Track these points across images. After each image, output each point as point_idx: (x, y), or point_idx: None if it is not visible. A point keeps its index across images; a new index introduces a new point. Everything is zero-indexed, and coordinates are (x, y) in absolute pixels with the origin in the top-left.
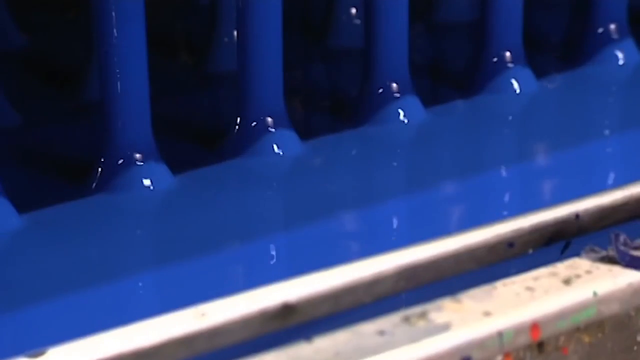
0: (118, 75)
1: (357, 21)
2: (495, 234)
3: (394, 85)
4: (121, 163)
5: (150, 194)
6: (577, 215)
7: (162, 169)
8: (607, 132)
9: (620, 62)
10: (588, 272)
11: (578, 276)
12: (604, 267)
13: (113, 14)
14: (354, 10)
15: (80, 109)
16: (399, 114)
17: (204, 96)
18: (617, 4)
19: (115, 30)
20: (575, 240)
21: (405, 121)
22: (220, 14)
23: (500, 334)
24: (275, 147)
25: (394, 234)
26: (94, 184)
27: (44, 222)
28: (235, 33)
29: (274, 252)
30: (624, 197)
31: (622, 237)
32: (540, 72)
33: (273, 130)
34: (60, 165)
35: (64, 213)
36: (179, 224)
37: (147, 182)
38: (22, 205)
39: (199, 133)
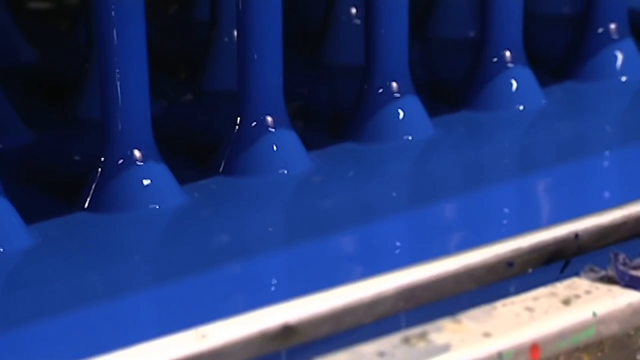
0: (118, 75)
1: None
2: (494, 254)
3: (394, 85)
4: (121, 163)
5: (157, 212)
6: (576, 235)
7: (162, 169)
8: (608, 148)
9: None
10: (587, 292)
11: (577, 296)
12: (603, 287)
13: (113, 14)
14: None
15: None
16: (399, 114)
17: (199, 112)
18: (617, 4)
19: (115, 31)
20: (575, 259)
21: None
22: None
23: (500, 355)
24: (274, 147)
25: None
26: (94, 184)
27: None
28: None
29: (274, 271)
30: (623, 216)
31: (621, 257)
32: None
33: (273, 130)
34: (63, 180)
35: (70, 229)
36: (180, 241)
37: (146, 182)
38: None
39: (193, 148)
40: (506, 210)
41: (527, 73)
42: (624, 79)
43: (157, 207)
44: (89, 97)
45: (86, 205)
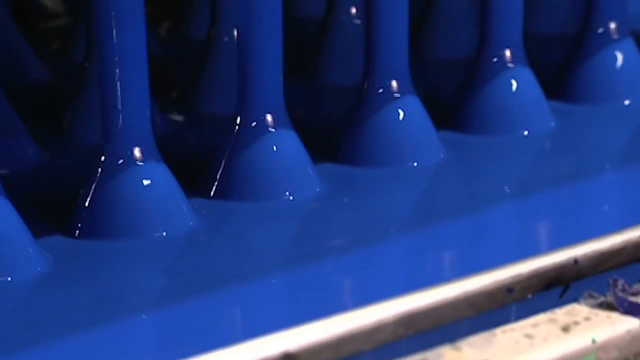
0: (118, 75)
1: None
2: (494, 280)
3: (394, 85)
4: (121, 163)
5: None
6: (575, 260)
7: (162, 169)
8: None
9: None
10: (587, 318)
11: (577, 323)
12: (603, 314)
13: (113, 14)
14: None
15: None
16: (399, 114)
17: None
18: (617, 4)
19: (115, 31)
20: (574, 284)
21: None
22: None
23: None
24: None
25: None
26: (94, 184)
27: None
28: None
29: (274, 298)
30: (622, 241)
31: (620, 283)
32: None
33: (273, 130)
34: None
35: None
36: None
37: (147, 182)
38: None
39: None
40: (505, 235)
41: (527, 73)
42: (627, 102)
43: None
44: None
45: (86, 204)
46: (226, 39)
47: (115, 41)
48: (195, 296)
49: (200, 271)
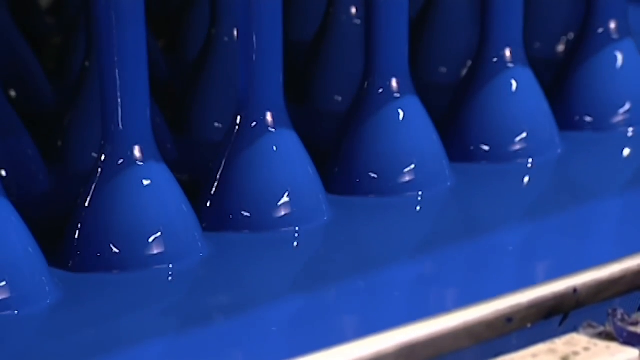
0: (118, 75)
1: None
2: (493, 310)
3: (394, 85)
4: (121, 163)
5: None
6: (574, 290)
7: (162, 169)
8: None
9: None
10: (586, 349)
11: (576, 353)
12: (602, 344)
13: (113, 14)
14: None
15: None
16: (399, 114)
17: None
18: (617, 4)
19: (115, 31)
20: (574, 313)
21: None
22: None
23: None
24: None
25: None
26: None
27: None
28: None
29: (273, 328)
30: (621, 270)
31: (619, 313)
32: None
33: (273, 130)
34: None
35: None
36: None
37: (146, 182)
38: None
39: None
40: (504, 264)
41: (527, 73)
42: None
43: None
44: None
45: (87, 204)
46: (226, 39)
47: (115, 41)
48: (196, 324)
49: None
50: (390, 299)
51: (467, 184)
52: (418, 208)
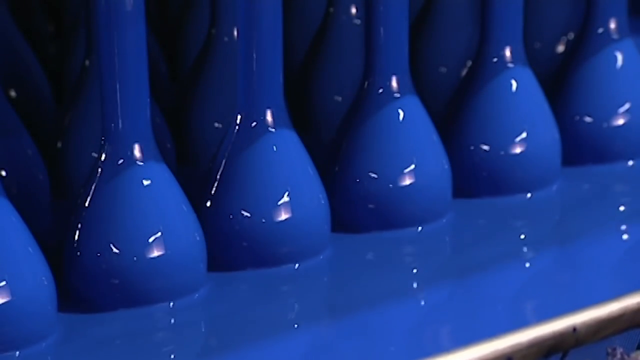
0: (118, 75)
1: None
2: (493, 349)
3: (394, 85)
4: (121, 163)
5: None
6: (574, 329)
7: (162, 169)
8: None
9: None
10: None
11: None
12: None
13: (113, 14)
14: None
15: None
16: (399, 114)
17: None
18: (617, 4)
19: (115, 31)
20: (573, 351)
21: None
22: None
23: None
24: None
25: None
26: (94, 184)
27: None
28: (235, 32)
29: None
30: (620, 308)
31: (618, 352)
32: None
33: (273, 129)
34: None
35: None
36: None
37: (146, 182)
38: None
39: None
40: (503, 303)
41: (527, 73)
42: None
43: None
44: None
45: (87, 204)
46: (226, 39)
47: (115, 41)
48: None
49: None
50: (388, 339)
51: (465, 218)
52: (414, 240)
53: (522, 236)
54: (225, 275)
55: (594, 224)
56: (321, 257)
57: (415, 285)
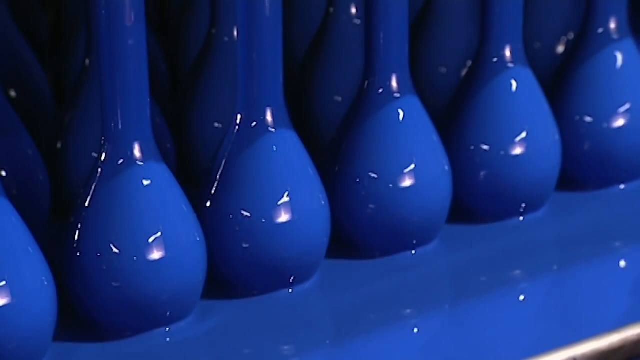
0: (118, 75)
1: None
2: None
3: (394, 85)
4: (121, 163)
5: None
6: None
7: (162, 169)
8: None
9: (620, 63)
10: None
11: None
12: None
13: (113, 14)
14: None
15: None
16: (399, 114)
17: None
18: (617, 4)
19: (115, 31)
20: None
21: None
22: None
23: None
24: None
25: None
26: (94, 184)
27: None
28: (235, 32)
29: None
30: (620, 340)
31: None
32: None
33: (273, 130)
34: None
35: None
36: None
37: (146, 182)
38: None
39: None
40: (501, 334)
41: (527, 73)
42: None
43: None
44: None
45: (87, 204)
46: (226, 39)
47: (115, 41)
48: None
49: None
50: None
51: (456, 242)
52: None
53: (517, 270)
54: (225, 274)
55: (591, 248)
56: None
57: (401, 310)
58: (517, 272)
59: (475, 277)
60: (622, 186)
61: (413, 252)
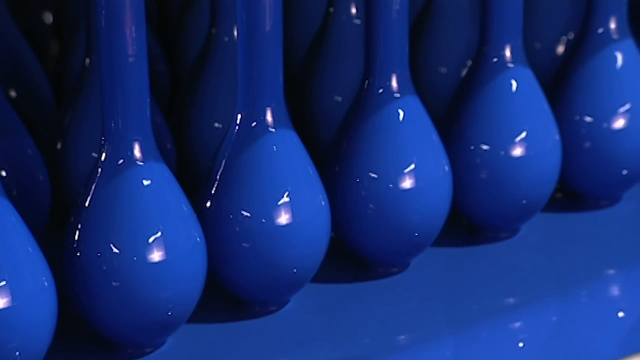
0: (118, 75)
1: None
2: None
3: (394, 85)
4: (121, 163)
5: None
6: None
7: (162, 169)
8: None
9: (619, 63)
10: None
11: None
12: None
13: (113, 14)
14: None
15: None
16: (399, 114)
17: None
18: (617, 4)
19: (115, 31)
20: None
21: None
22: None
23: None
24: (274, 147)
25: None
26: (94, 184)
27: None
28: (235, 32)
29: None
30: None
31: None
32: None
33: (273, 130)
34: None
35: None
36: None
37: (146, 182)
38: None
39: None
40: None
41: (527, 73)
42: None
43: None
44: None
45: (87, 204)
46: (226, 39)
47: (115, 41)
48: None
49: None
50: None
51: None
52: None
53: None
54: (225, 274)
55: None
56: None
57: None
58: (511, 295)
59: (465, 311)
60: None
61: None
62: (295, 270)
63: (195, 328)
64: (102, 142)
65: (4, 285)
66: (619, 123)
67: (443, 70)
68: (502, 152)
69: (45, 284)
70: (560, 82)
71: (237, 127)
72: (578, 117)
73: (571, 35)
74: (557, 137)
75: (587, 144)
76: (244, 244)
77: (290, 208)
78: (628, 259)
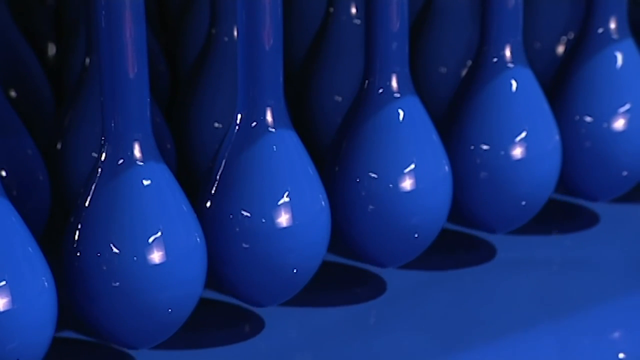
0: (118, 75)
1: None
2: None
3: (394, 85)
4: (121, 163)
5: None
6: None
7: (162, 169)
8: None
9: (619, 63)
10: None
11: None
12: None
13: (113, 14)
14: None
15: None
16: (399, 114)
17: None
18: (617, 4)
19: (115, 31)
20: None
21: None
22: None
23: None
24: (274, 147)
25: None
26: (94, 184)
27: None
28: (235, 33)
29: None
30: None
31: None
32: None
33: (273, 130)
34: None
35: None
36: None
37: (146, 182)
38: None
39: None
40: None
41: (527, 73)
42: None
43: None
44: None
45: (87, 204)
46: (226, 39)
47: (115, 41)
48: None
49: None
50: None
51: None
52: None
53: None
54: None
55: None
56: (321, 257)
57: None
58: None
59: (464, 328)
60: None
61: None
62: (295, 270)
63: (195, 328)
64: (102, 142)
65: (3, 285)
66: (619, 123)
67: (443, 70)
68: (502, 152)
69: (45, 284)
70: (560, 82)
71: (237, 127)
72: (578, 118)
73: (571, 35)
74: (558, 137)
75: (588, 145)
76: (244, 244)
77: (291, 208)
78: None
